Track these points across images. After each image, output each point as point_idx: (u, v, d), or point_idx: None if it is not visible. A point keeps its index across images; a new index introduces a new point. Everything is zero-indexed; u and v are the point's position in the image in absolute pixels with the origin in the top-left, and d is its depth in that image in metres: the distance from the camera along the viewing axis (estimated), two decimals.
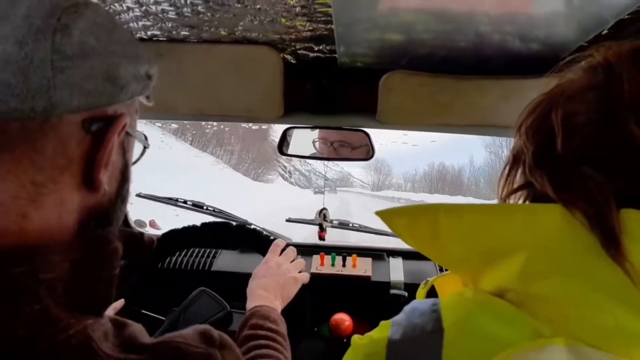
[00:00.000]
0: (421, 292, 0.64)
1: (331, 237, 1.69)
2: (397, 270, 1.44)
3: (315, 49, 1.00)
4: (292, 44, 0.98)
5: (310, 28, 0.87)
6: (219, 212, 1.67)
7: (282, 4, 0.77)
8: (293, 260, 1.03)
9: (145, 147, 0.56)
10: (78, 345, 0.38)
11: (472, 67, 0.96)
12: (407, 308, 0.51)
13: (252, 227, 1.23)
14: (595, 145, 0.43)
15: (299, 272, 1.02)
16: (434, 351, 0.43)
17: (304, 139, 1.28)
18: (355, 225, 1.75)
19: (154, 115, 1.22)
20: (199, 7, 0.81)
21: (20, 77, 0.37)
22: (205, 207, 1.67)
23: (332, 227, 1.69)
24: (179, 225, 1.21)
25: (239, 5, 0.79)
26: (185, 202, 1.67)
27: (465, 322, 0.44)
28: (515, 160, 0.51)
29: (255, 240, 1.17)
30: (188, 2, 0.79)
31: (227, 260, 1.51)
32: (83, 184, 0.43)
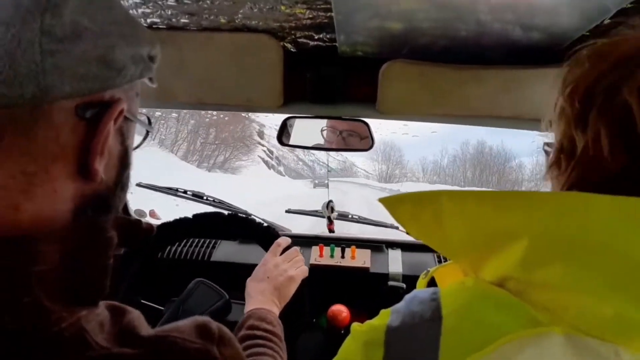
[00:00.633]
0: (421, 282, 0.64)
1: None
2: (395, 262, 1.45)
3: (316, 37, 0.99)
4: (292, 32, 0.97)
5: (310, 16, 0.87)
6: (219, 202, 1.67)
7: None
8: (293, 259, 1.02)
9: (148, 132, 0.53)
10: (71, 337, 0.37)
11: (473, 56, 0.95)
12: (407, 297, 0.52)
13: (247, 216, 1.23)
14: None
15: (298, 268, 1.01)
16: (433, 338, 0.44)
17: (305, 129, 1.28)
18: (355, 216, 1.75)
19: (153, 104, 1.22)
20: None
21: (7, 61, 0.35)
22: (205, 197, 1.67)
23: (334, 218, 1.69)
24: (179, 215, 1.21)
25: None
26: (185, 192, 1.67)
27: (464, 310, 0.45)
28: (564, 150, 0.48)
29: (249, 230, 1.18)
30: None
31: (226, 251, 1.51)
32: (78, 173, 0.41)
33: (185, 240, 1.51)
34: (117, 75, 0.42)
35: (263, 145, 32.46)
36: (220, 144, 26.44)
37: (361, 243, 1.53)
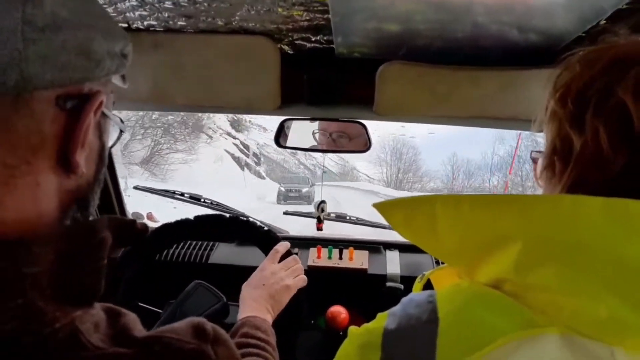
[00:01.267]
0: (417, 285, 0.65)
1: (329, 230, 1.70)
2: (393, 263, 1.45)
3: (313, 39, 0.99)
4: (289, 34, 0.97)
5: (307, 18, 0.87)
6: (217, 204, 1.67)
7: None
8: (291, 267, 1.01)
9: (121, 131, 0.53)
10: (65, 338, 0.37)
11: (470, 58, 0.95)
12: (404, 300, 0.52)
13: (247, 219, 1.23)
14: None
15: (296, 277, 1.00)
16: (429, 340, 0.44)
17: (301, 131, 1.28)
18: (352, 218, 1.75)
19: (151, 106, 1.22)
20: None
21: None
22: (202, 200, 1.67)
23: (329, 219, 1.69)
24: (176, 218, 1.21)
25: None
26: (182, 194, 1.67)
27: (460, 312, 0.45)
28: (558, 151, 0.49)
29: (249, 233, 1.18)
30: None
31: (224, 253, 1.51)
32: (59, 165, 0.41)
33: (182, 243, 1.51)
34: (95, 67, 0.42)
35: (235, 138, 25.16)
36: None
37: (359, 244, 1.54)
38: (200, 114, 18.34)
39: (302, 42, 1.02)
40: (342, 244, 1.49)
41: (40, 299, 0.37)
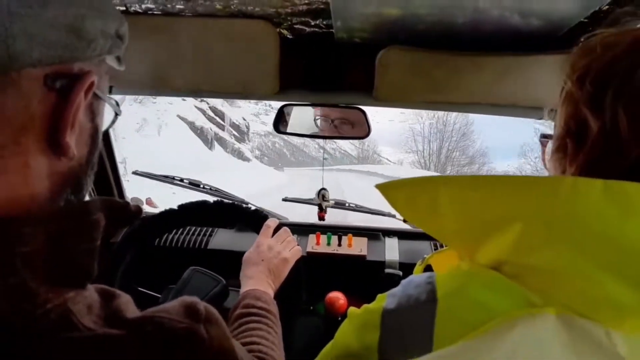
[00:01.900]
0: (418, 269, 0.66)
1: (328, 217, 1.69)
2: (392, 250, 1.45)
3: (312, 23, 0.98)
4: (289, 18, 0.96)
5: (307, 2, 0.86)
6: (216, 190, 1.67)
7: None
8: (285, 240, 1.03)
9: (116, 114, 0.52)
10: (57, 319, 0.37)
11: (471, 43, 0.94)
12: (404, 281, 0.53)
13: (232, 202, 1.23)
14: None
15: (291, 249, 1.02)
16: (427, 320, 0.45)
17: (302, 117, 1.27)
18: (351, 205, 1.75)
19: (149, 90, 1.21)
20: None
21: None
22: (201, 185, 1.67)
23: (328, 206, 1.69)
24: (176, 204, 1.21)
25: None
26: (182, 180, 1.67)
27: (459, 292, 0.46)
28: (573, 133, 0.48)
29: (237, 215, 1.18)
30: None
31: (223, 239, 1.51)
32: (49, 146, 0.40)
33: (182, 229, 1.51)
34: (87, 47, 0.41)
35: (201, 101, 17.95)
36: None
37: (358, 231, 1.54)
38: None
39: (301, 27, 1.01)
40: (340, 231, 1.49)
41: (32, 279, 0.36)
